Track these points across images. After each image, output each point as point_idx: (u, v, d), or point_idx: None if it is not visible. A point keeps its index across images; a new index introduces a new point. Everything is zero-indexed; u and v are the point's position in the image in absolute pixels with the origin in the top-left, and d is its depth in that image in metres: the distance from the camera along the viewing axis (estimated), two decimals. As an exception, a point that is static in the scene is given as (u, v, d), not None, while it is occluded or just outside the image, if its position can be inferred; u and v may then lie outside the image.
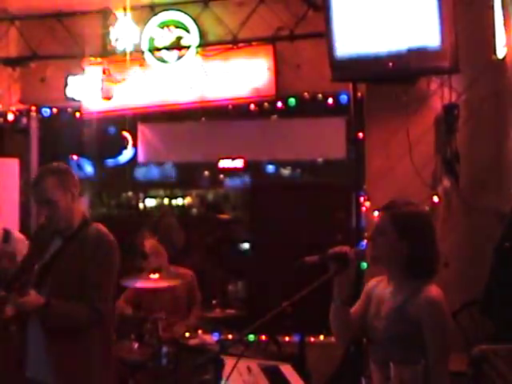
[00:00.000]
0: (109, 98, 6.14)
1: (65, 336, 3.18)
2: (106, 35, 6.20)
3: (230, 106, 6.30)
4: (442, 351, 2.68)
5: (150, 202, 11.21)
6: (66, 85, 6.42)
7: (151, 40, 6.26)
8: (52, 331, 3.20)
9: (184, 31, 6.22)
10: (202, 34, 6.20)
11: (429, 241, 2.79)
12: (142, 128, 6.89)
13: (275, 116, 6.85)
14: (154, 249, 5.36)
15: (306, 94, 6.07)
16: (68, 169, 3.43)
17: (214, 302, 5.70)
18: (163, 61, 6.27)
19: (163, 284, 4.94)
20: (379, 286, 2.91)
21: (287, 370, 3.23)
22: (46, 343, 3.22)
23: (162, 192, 11.34)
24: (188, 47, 6.19)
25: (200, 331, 5.97)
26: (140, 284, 4.95)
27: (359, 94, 5.74)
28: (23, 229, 6.58)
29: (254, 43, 6.12)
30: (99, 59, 6.27)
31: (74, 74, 6.36)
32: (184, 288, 5.28)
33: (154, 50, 6.25)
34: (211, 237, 8.79)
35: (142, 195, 11.15)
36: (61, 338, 3.18)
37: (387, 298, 2.81)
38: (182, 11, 6.22)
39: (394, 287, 2.81)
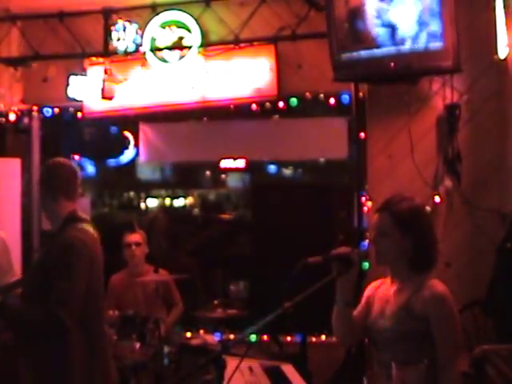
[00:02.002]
0: (110, 98, 6.14)
1: (37, 341, 3.15)
2: (107, 35, 6.21)
3: (232, 106, 6.29)
4: (453, 347, 2.68)
5: (152, 202, 11.22)
6: (67, 85, 6.41)
7: (153, 40, 6.25)
8: (20, 335, 3.19)
9: (186, 31, 6.21)
10: (203, 34, 6.19)
11: (428, 232, 2.82)
12: (143, 128, 6.89)
13: (277, 116, 6.85)
14: (143, 239, 5.44)
15: (307, 94, 6.06)
16: (44, 167, 3.43)
17: (215, 302, 5.71)
18: (165, 61, 6.26)
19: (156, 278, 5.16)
20: (381, 288, 2.90)
21: (289, 370, 3.23)
22: (16, 346, 3.21)
23: (163, 192, 11.36)
24: (190, 47, 6.18)
25: (202, 331, 5.98)
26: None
27: (361, 94, 5.74)
28: (25, 229, 6.60)
29: (255, 43, 6.11)
30: (101, 59, 6.27)
31: (76, 74, 6.36)
32: (159, 287, 5.30)
33: (155, 49, 6.25)
34: (212, 236, 8.81)
35: (143, 195, 11.17)
36: (31, 342, 3.16)
37: (391, 297, 2.81)
38: (183, 11, 6.21)
39: (398, 286, 2.81)
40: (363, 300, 2.93)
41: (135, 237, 5.40)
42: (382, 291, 2.88)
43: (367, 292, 2.95)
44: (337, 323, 2.85)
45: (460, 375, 2.72)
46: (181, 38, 6.25)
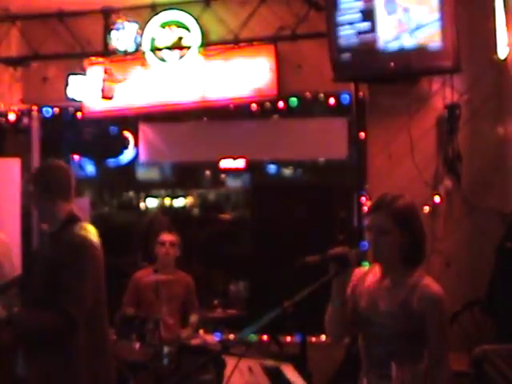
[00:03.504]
0: (110, 98, 6.14)
1: (41, 341, 3.14)
2: (107, 35, 6.21)
3: (232, 106, 6.29)
4: (446, 345, 2.73)
5: (152, 202, 11.20)
6: (67, 85, 6.41)
7: (152, 40, 6.25)
8: (26, 337, 3.18)
9: (185, 31, 6.21)
10: (203, 34, 6.19)
11: (421, 227, 2.85)
12: (143, 128, 6.89)
13: (277, 116, 6.84)
14: (178, 241, 5.48)
15: (307, 93, 6.07)
16: (38, 169, 3.47)
17: (215, 302, 5.71)
18: (164, 61, 6.26)
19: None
20: (367, 280, 2.89)
21: (289, 370, 3.22)
22: (23, 349, 3.20)
23: (163, 192, 11.33)
24: (189, 47, 6.19)
25: (201, 331, 5.98)
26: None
27: (361, 94, 5.74)
28: (24, 229, 6.60)
29: (255, 43, 6.11)
30: (100, 59, 6.27)
31: (76, 74, 6.35)
32: (181, 290, 5.35)
33: (155, 49, 6.25)
34: (211, 236, 8.80)
35: (143, 195, 11.15)
36: (35, 342, 3.15)
37: (385, 293, 2.81)
38: (183, 11, 6.22)
39: (391, 282, 2.81)
40: (348, 291, 2.91)
41: (171, 237, 5.45)
42: (369, 283, 2.88)
43: (350, 281, 2.93)
44: (331, 322, 2.85)
45: (451, 373, 2.75)
46: (180, 38, 6.25)
